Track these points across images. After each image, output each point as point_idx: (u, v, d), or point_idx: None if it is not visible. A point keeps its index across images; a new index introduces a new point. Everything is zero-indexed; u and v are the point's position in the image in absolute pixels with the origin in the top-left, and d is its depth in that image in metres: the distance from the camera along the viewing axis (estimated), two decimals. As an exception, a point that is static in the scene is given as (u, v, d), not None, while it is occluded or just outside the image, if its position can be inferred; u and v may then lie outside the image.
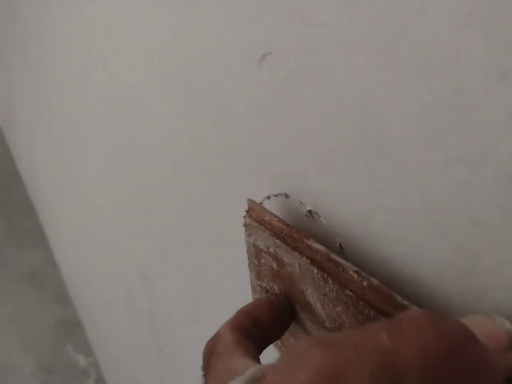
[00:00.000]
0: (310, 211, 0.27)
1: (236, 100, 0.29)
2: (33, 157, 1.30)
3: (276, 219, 0.27)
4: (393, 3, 0.18)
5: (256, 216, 0.28)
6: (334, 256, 0.23)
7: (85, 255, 1.07)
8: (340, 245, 0.25)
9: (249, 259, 0.31)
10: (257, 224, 0.28)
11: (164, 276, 0.59)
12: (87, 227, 0.95)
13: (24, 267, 1.47)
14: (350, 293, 0.22)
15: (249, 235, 0.30)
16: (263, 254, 0.29)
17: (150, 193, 0.52)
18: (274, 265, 0.28)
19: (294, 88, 0.24)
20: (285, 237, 0.26)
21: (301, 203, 0.27)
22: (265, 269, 0.30)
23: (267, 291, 0.31)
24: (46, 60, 0.81)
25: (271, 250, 0.28)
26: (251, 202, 0.29)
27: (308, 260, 0.24)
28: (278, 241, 0.26)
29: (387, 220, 0.21)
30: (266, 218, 0.28)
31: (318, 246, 0.24)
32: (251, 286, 0.33)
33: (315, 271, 0.24)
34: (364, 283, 0.22)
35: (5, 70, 1.27)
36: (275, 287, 0.29)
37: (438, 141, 0.18)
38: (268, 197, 0.30)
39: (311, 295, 0.26)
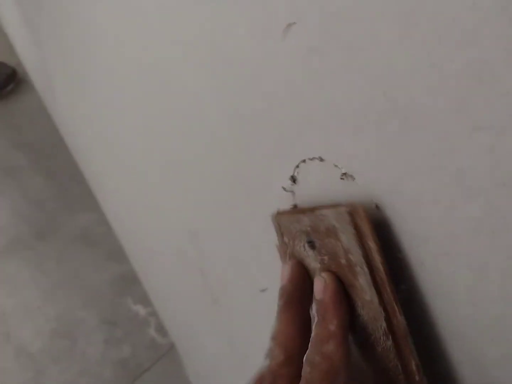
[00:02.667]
0: (345, 174, 0.28)
1: (265, 71, 0.30)
2: (75, 126, 1.33)
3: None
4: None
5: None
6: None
7: (135, 214, 1.11)
8: (377, 206, 0.26)
9: None
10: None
11: (211, 233, 0.62)
12: (134, 189, 0.98)
13: (78, 229, 1.54)
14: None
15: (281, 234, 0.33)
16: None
17: (193, 159, 0.54)
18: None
19: (320, 58, 0.25)
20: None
21: (336, 166, 0.28)
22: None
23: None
24: (80, 33, 0.82)
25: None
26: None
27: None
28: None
29: (420, 183, 0.22)
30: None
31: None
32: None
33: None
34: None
35: (40, 46, 1.29)
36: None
37: (464, 108, 0.18)
38: (304, 161, 0.31)
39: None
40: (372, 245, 0.25)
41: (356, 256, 0.26)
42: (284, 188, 0.34)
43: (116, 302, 1.47)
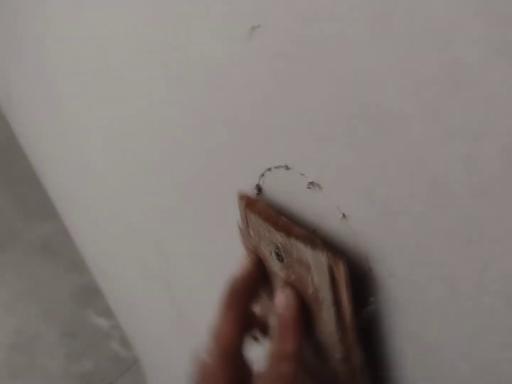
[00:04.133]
0: (311, 182, 0.27)
1: (230, 75, 0.29)
2: (34, 133, 1.29)
3: (273, 210, 0.29)
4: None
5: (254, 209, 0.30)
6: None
7: (96, 223, 1.08)
8: (344, 215, 0.25)
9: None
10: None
11: (177, 243, 0.60)
12: (95, 197, 0.95)
13: (37, 239, 1.49)
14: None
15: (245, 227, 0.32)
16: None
17: (155, 165, 0.52)
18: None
19: (286, 62, 0.23)
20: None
21: (302, 175, 0.27)
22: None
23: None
24: (41, 36, 0.79)
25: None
26: (245, 196, 0.31)
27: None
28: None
29: (391, 192, 0.21)
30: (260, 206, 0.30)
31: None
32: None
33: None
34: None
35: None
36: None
37: (438, 115, 0.18)
38: (269, 169, 0.30)
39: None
40: (344, 294, 0.25)
41: (325, 295, 0.26)
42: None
43: (78, 314, 1.42)
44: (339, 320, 0.26)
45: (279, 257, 0.29)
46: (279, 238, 0.28)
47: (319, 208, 0.27)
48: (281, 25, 0.23)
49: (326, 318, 0.27)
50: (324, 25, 0.20)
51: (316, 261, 0.25)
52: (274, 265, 0.30)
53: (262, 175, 0.31)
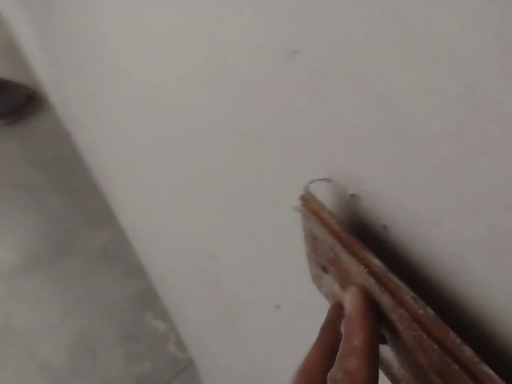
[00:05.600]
0: (352, 194, 0.28)
1: (272, 94, 0.31)
2: (94, 145, 1.36)
3: (334, 221, 0.27)
4: (402, 3, 0.19)
5: (313, 208, 0.29)
6: (392, 276, 0.24)
7: (153, 231, 1.12)
8: (384, 226, 0.27)
9: (305, 235, 0.33)
10: (314, 217, 0.29)
11: (228, 252, 0.62)
12: (152, 206, 0.99)
13: (98, 246, 1.56)
14: (405, 313, 0.23)
15: (306, 220, 0.31)
16: (320, 240, 0.30)
17: (208, 178, 0.55)
18: (331, 254, 0.29)
19: (323, 83, 0.25)
20: (343, 241, 0.27)
21: (344, 187, 0.29)
22: (321, 251, 0.31)
23: (323, 267, 0.33)
24: (94, 55, 0.84)
25: (328, 243, 0.28)
26: (308, 194, 0.29)
27: (366, 270, 0.25)
28: (335, 241, 0.27)
29: (423, 204, 0.23)
30: (324, 216, 0.28)
31: (376, 261, 0.25)
32: (306, 256, 0.35)
33: (373, 281, 0.25)
34: (421, 311, 0.23)
35: (56, 68, 1.32)
36: (331, 268, 0.31)
37: (462, 132, 0.19)
38: (313, 181, 0.32)
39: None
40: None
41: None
42: (294, 208, 0.34)
43: (136, 317, 1.48)
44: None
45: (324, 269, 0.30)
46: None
47: (362, 218, 0.28)
48: (318, 50, 0.25)
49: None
50: (355, 51, 0.22)
51: (359, 276, 0.27)
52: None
53: (306, 187, 0.32)
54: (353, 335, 0.26)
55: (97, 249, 1.56)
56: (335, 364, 0.26)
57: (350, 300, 0.27)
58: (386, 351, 0.29)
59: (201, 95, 0.43)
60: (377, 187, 0.26)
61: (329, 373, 0.26)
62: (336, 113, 0.26)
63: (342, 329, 0.27)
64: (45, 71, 1.61)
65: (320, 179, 0.31)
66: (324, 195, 0.31)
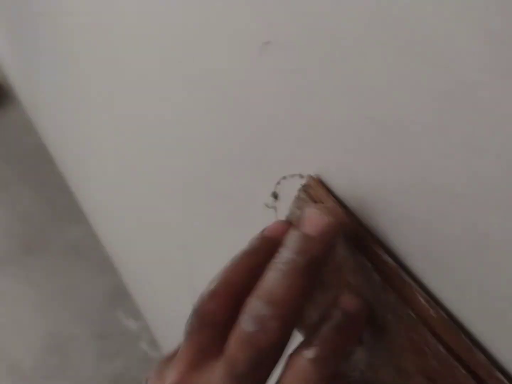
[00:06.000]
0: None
1: (246, 89, 0.30)
2: (61, 139, 1.33)
3: (341, 210, 0.25)
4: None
5: (314, 195, 0.27)
6: (403, 274, 0.22)
7: (124, 227, 1.10)
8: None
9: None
10: (313, 203, 0.26)
11: (200, 248, 0.62)
12: (123, 202, 0.98)
13: (67, 242, 1.53)
14: (413, 315, 0.22)
15: (298, 207, 0.28)
16: None
17: (181, 173, 0.54)
18: None
19: (300, 76, 0.24)
20: (348, 233, 0.24)
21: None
22: None
23: None
24: (66, 43, 0.82)
25: None
26: (312, 179, 0.27)
27: (374, 267, 0.23)
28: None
29: (401, 200, 0.22)
30: (329, 205, 0.25)
31: (387, 258, 0.23)
32: None
33: (379, 281, 0.23)
34: (433, 313, 0.21)
35: (24, 61, 1.29)
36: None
37: (444, 128, 0.18)
38: (284, 177, 0.31)
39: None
40: None
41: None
42: (266, 205, 0.33)
43: (108, 316, 1.45)
44: None
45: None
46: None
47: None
48: (290, 41, 0.24)
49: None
50: (332, 43, 0.21)
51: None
52: None
53: (278, 183, 0.32)
54: (348, 340, 0.23)
55: (67, 245, 1.53)
56: (318, 353, 0.22)
57: (356, 306, 0.24)
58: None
59: (176, 92, 0.42)
60: (350, 180, 0.25)
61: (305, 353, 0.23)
62: (311, 108, 0.25)
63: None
64: (11, 63, 1.57)
65: (291, 175, 0.30)
66: (296, 191, 0.30)
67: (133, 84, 0.53)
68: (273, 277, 0.22)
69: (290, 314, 0.21)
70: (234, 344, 0.22)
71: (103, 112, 0.76)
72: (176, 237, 0.71)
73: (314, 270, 0.22)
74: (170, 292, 0.93)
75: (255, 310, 0.22)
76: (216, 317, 0.24)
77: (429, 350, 0.22)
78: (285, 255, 0.22)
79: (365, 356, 0.27)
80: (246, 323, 0.22)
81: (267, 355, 0.21)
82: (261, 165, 0.33)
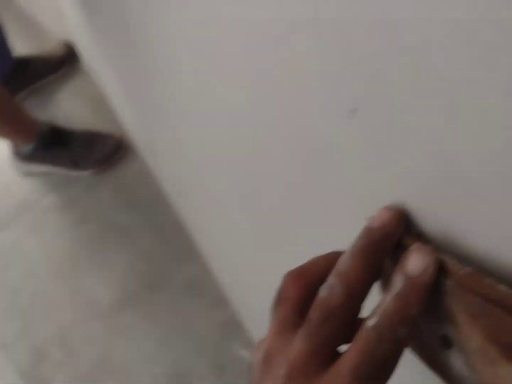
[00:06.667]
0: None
1: (333, 148, 0.36)
2: (178, 186, 1.46)
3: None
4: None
5: None
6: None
7: (237, 264, 1.19)
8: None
9: None
10: None
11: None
12: (234, 241, 1.06)
13: (185, 280, 1.66)
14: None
15: None
16: None
17: (284, 212, 0.60)
18: None
19: (378, 136, 0.30)
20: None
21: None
22: None
23: None
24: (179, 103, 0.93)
25: None
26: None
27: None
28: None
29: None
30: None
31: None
32: None
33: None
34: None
35: (142, 116, 1.44)
36: None
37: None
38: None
39: None
40: None
41: None
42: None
43: (225, 347, 1.54)
44: None
45: None
46: None
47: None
48: (375, 110, 0.30)
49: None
50: (406, 112, 0.27)
51: None
52: None
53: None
54: (412, 304, 0.26)
55: (185, 282, 1.66)
56: (383, 322, 0.26)
57: (420, 266, 0.26)
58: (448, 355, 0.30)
59: (272, 148, 0.49)
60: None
61: (374, 330, 0.26)
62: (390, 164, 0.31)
63: (398, 279, 0.27)
64: (131, 120, 1.76)
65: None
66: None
67: (246, 137, 0.61)
68: (342, 257, 0.29)
69: (353, 283, 0.28)
70: (311, 309, 0.28)
71: (219, 161, 0.85)
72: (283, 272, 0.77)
73: (373, 252, 0.28)
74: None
75: (328, 281, 0.28)
76: (294, 293, 0.31)
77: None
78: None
79: (459, 356, 0.29)
80: (321, 291, 0.28)
81: (334, 313, 0.27)
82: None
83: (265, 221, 0.74)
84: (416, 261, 0.26)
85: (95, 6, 1.34)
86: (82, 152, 1.90)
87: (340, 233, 0.44)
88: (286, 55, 0.37)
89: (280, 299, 0.32)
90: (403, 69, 0.25)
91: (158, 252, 1.73)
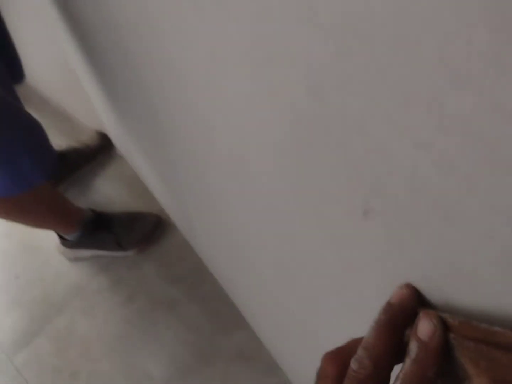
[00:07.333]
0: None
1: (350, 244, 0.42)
2: (216, 259, 1.52)
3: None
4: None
5: None
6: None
7: (282, 327, 1.22)
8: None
9: None
10: None
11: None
12: (280, 310, 1.10)
13: (234, 348, 1.68)
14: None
15: None
16: None
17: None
18: None
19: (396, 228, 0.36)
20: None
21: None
22: None
23: None
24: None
25: None
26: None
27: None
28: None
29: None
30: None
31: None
32: None
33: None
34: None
35: (177, 196, 1.52)
36: None
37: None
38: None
39: None
40: None
41: None
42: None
43: (279, 414, 1.55)
44: None
45: None
46: None
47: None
48: (390, 207, 0.35)
49: None
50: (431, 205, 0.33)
51: None
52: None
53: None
54: (427, 367, 0.29)
55: (233, 352, 1.68)
56: (403, 380, 0.29)
57: (430, 331, 0.30)
58: None
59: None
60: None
61: None
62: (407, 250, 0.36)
63: (412, 346, 0.30)
64: (167, 198, 1.84)
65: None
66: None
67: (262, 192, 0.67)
68: (368, 332, 0.32)
69: (378, 354, 0.31)
70: (345, 381, 0.32)
71: (256, 231, 0.90)
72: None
73: (394, 324, 0.32)
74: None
75: (357, 354, 0.32)
76: (332, 371, 0.34)
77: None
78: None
79: None
80: (351, 364, 0.32)
81: (364, 383, 0.31)
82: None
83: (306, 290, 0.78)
84: (425, 326, 0.30)
85: (117, 93, 1.45)
86: (124, 233, 2.00)
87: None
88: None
89: (319, 378, 0.35)
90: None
91: (205, 323, 1.77)
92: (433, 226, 0.30)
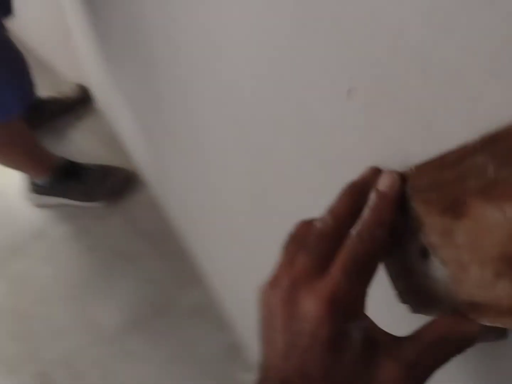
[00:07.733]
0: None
1: (334, 127, 0.46)
2: (186, 215, 1.54)
3: None
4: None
5: None
6: None
7: (243, 291, 1.24)
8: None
9: None
10: None
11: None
12: (240, 266, 1.12)
13: (188, 304, 1.72)
14: None
15: None
16: None
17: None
18: None
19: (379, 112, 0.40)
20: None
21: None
22: None
23: None
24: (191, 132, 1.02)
25: None
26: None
27: None
28: None
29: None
30: None
31: None
32: None
33: None
34: None
35: (154, 149, 1.54)
36: None
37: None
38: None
39: None
40: None
41: None
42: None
43: (228, 371, 1.59)
44: None
45: None
46: None
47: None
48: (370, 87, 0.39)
49: None
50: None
51: None
52: None
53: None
54: (384, 212, 0.32)
55: (189, 307, 1.72)
56: (360, 228, 0.32)
57: (389, 182, 0.33)
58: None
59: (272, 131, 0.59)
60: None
61: (356, 228, 0.32)
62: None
63: (371, 197, 0.33)
64: (142, 155, 1.85)
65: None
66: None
67: (259, 150, 0.70)
68: (334, 200, 0.35)
69: (339, 214, 0.34)
70: (308, 237, 0.34)
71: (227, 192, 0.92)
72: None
73: (354, 193, 0.35)
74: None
75: (322, 216, 0.35)
76: (303, 233, 0.35)
77: None
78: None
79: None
80: (316, 223, 0.35)
81: (326, 234, 0.33)
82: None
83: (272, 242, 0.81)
84: (385, 179, 0.33)
85: (110, 48, 1.46)
86: (94, 185, 2.01)
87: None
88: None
89: (288, 240, 0.37)
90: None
91: (163, 278, 1.80)
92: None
